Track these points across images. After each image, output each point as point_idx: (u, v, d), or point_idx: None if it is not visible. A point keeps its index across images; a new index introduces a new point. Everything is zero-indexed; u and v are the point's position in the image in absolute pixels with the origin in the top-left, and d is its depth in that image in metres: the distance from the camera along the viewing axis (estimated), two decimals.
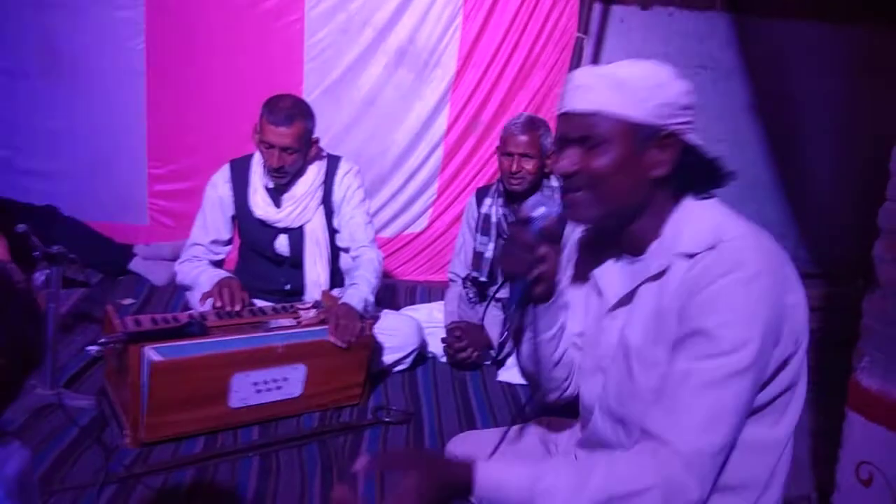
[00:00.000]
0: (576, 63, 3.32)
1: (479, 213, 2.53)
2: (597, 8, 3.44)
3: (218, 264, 2.32)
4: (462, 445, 1.67)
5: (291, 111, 2.11)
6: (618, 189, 1.07)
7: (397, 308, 2.68)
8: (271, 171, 2.16)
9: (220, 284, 2.06)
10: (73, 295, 2.64)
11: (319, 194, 2.27)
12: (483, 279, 2.50)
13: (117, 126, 3.24)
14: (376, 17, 3.24)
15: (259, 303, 2.21)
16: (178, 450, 1.77)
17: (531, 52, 3.36)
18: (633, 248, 1.14)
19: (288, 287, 2.32)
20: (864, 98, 3.69)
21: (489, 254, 2.49)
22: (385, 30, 3.26)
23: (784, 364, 1.04)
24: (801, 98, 3.70)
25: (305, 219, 2.26)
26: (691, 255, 1.04)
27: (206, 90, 3.23)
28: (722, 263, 1.00)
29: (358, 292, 2.10)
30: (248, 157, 2.29)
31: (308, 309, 2.07)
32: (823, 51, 3.66)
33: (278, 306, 2.10)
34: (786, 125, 3.74)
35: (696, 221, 1.07)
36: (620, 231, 1.13)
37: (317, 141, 2.24)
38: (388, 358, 2.26)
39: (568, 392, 1.30)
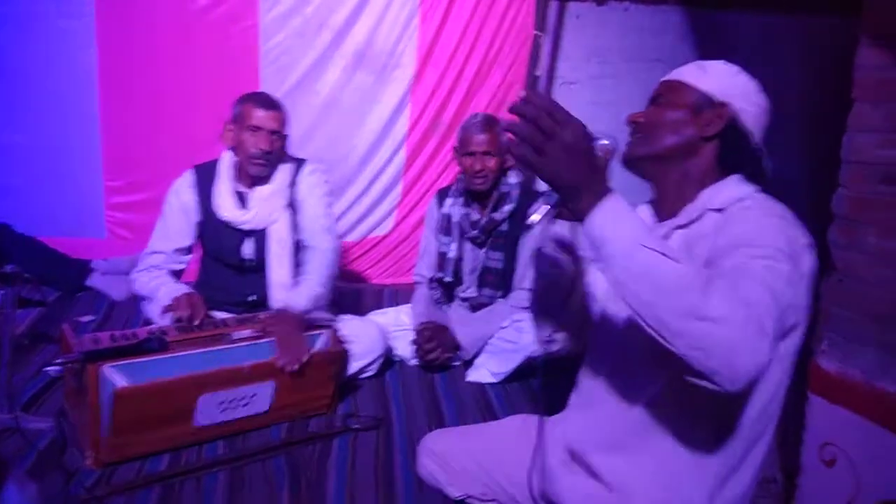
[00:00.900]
0: (534, 60, 3.33)
1: (440, 213, 2.52)
2: (553, 5, 3.46)
3: (177, 274, 2.28)
4: (435, 444, 1.67)
5: (274, 99, 2.24)
6: (665, 136, 1.24)
7: (364, 312, 2.66)
8: (257, 159, 2.16)
9: (182, 298, 2.02)
10: (30, 315, 2.58)
11: (286, 195, 2.26)
12: (448, 279, 2.50)
13: (71, 139, 3.18)
14: (333, 19, 3.22)
15: (222, 314, 2.17)
16: (142, 468, 1.73)
17: (489, 50, 3.37)
18: (670, 210, 1.26)
19: (252, 298, 2.28)
20: (818, 86, 3.77)
21: (452, 254, 2.48)
22: (342, 32, 3.24)
23: (791, 326, 1.11)
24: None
25: (272, 220, 2.24)
26: (721, 210, 1.18)
27: (161, 99, 3.18)
28: (754, 207, 1.16)
29: (306, 289, 2.09)
30: (214, 162, 2.28)
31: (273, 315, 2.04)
32: (775, 41, 3.73)
33: (241, 317, 2.06)
34: None
35: (731, 189, 1.21)
36: (663, 190, 1.27)
37: (286, 137, 2.28)
38: (353, 365, 2.24)
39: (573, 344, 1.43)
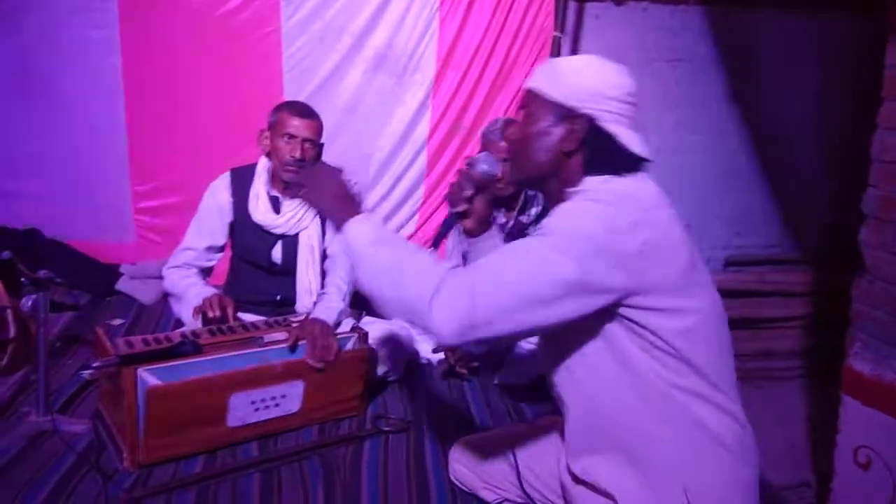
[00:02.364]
0: None
1: None
2: (572, 6, 3.46)
3: (207, 272, 2.35)
4: (467, 447, 1.69)
5: (310, 108, 2.28)
6: (533, 156, 1.29)
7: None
8: (290, 166, 2.20)
9: (213, 298, 2.07)
10: (62, 318, 2.61)
11: None
12: None
13: (97, 144, 3.21)
14: (353, 24, 3.23)
15: (251, 316, 2.21)
16: (177, 470, 1.75)
17: (509, 52, 3.37)
18: None
19: (279, 298, 2.32)
20: (839, 84, 3.74)
21: None
22: (362, 36, 3.25)
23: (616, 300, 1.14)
24: (778, 87, 3.74)
25: (303, 226, 2.29)
26: None
27: (185, 104, 3.21)
28: (580, 197, 1.22)
29: (329, 304, 2.14)
30: (251, 166, 2.34)
31: (301, 322, 2.06)
32: (796, 39, 3.71)
33: (271, 320, 2.09)
34: (764, 114, 3.79)
35: (581, 186, 1.25)
36: (550, 199, 1.34)
37: (322, 146, 2.31)
38: (379, 368, 2.26)
39: None
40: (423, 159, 3.44)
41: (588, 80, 1.24)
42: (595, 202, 1.16)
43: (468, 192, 1.40)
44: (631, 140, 1.24)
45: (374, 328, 2.29)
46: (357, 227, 1.26)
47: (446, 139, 3.42)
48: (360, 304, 2.62)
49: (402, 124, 3.38)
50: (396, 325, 2.43)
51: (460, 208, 1.41)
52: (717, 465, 1.20)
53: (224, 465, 1.78)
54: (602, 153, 1.24)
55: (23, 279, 1.91)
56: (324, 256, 2.35)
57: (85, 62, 3.11)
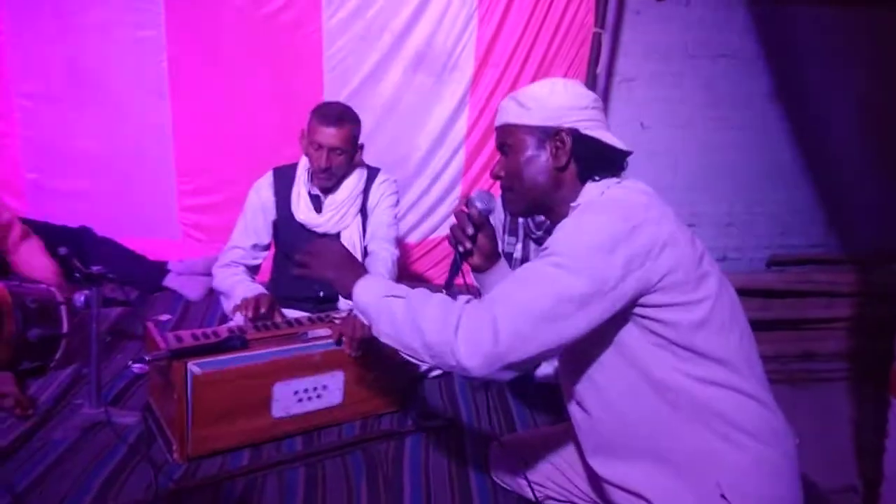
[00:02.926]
0: (594, 58, 3.31)
1: (505, 214, 2.54)
2: (612, 1, 3.43)
3: (254, 269, 2.41)
4: (508, 445, 1.70)
5: (341, 115, 2.25)
6: (530, 182, 1.35)
7: None
8: (319, 173, 2.24)
9: (251, 299, 2.10)
10: (112, 313, 2.69)
11: (359, 202, 2.36)
12: None
13: (145, 144, 3.29)
14: (393, 23, 3.25)
15: (294, 313, 2.25)
16: (224, 463, 1.80)
17: (549, 49, 3.36)
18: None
19: (322, 294, 2.36)
20: (886, 80, 3.65)
21: (518, 254, 2.49)
22: (402, 35, 3.27)
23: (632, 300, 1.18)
24: (823, 82, 3.66)
25: (344, 225, 2.33)
26: None
27: (229, 104, 3.27)
28: (579, 211, 1.27)
29: None
30: (293, 165, 2.39)
31: (344, 318, 2.09)
32: (841, 34, 3.62)
33: (314, 317, 2.12)
34: (809, 110, 3.71)
35: (580, 199, 1.32)
36: (554, 219, 1.37)
37: (362, 146, 2.33)
38: (422, 364, 2.28)
39: None
40: (460, 158, 3.45)
41: (559, 98, 1.33)
42: (594, 213, 1.22)
43: (470, 231, 1.45)
44: (612, 139, 1.33)
45: None
46: (365, 288, 1.34)
47: (484, 138, 3.42)
48: None
49: (440, 123, 3.39)
50: None
51: (464, 246, 1.46)
52: (744, 454, 1.20)
53: (270, 458, 1.82)
54: (593, 157, 1.32)
55: (77, 274, 1.98)
56: (364, 254, 2.38)
57: (133, 63, 3.19)
